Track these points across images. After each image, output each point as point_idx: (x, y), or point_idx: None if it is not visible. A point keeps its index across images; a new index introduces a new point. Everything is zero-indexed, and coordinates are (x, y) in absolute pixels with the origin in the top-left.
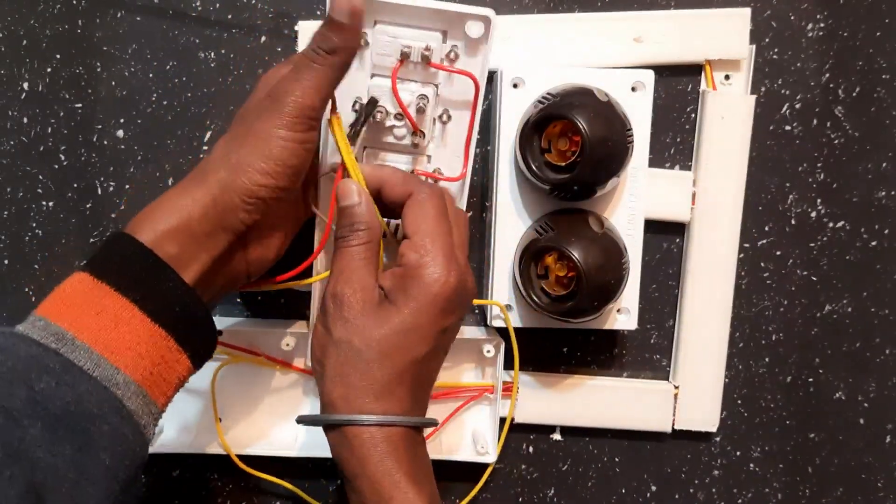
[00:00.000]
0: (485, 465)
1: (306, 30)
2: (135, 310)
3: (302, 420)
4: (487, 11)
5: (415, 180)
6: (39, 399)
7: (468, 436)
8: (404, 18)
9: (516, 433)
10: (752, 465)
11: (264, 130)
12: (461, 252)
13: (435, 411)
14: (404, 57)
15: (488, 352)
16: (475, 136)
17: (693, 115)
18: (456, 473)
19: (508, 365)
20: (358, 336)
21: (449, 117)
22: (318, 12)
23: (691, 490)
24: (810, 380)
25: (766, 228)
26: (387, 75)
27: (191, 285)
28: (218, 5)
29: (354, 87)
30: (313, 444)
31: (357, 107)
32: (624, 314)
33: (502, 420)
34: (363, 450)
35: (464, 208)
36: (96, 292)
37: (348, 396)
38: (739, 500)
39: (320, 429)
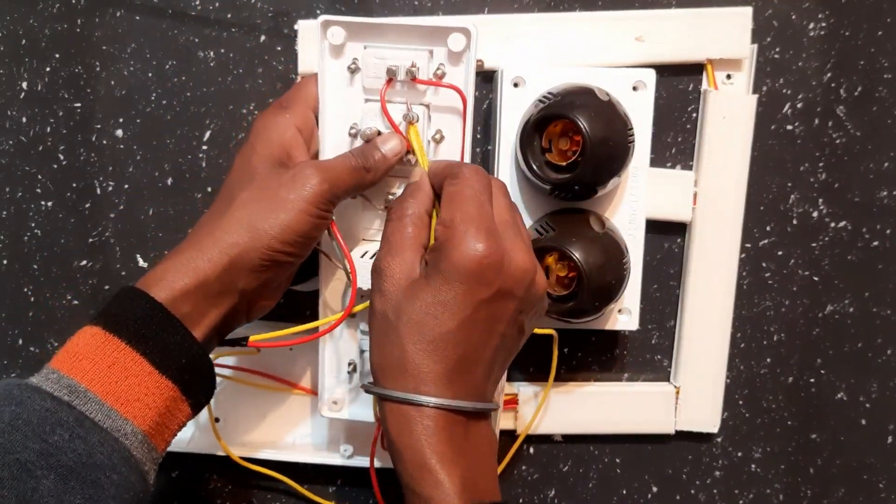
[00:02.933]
0: None
1: (306, 29)
2: (144, 363)
3: (363, 387)
4: (468, 24)
5: (454, 162)
6: (53, 451)
7: None
8: (391, 40)
9: (518, 435)
10: (753, 465)
11: (290, 203)
12: (508, 228)
13: None
14: (392, 76)
15: None
16: (468, 152)
17: (694, 115)
18: None
19: (511, 377)
20: (392, 309)
21: (442, 137)
22: (318, 12)
23: (692, 491)
24: (812, 380)
25: (768, 228)
26: (378, 99)
27: (199, 339)
28: (218, 5)
29: (349, 112)
30: (311, 447)
31: (353, 131)
32: (625, 314)
33: (501, 433)
34: (396, 424)
35: None
36: (108, 346)
37: (384, 368)
38: (741, 501)
39: (312, 431)
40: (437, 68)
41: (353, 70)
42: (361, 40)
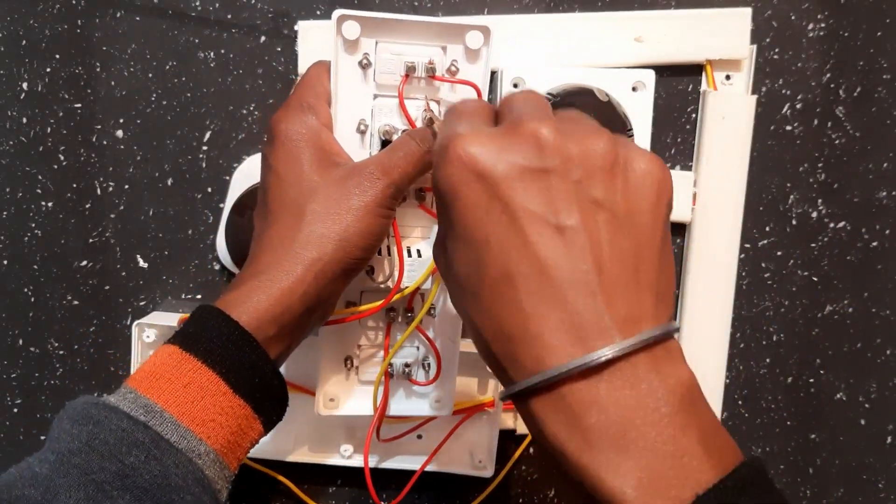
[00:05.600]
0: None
1: (306, 29)
2: (220, 382)
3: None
4: (486, 22)
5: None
6: (129, 472)
7: (467, 449)
8: (405, 36)
9: (519, 435)
10: None
11: (364, 208)
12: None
13: (436, 427)
14: (410, 72)
15: None
16: None
17: (694, 115)
18: (455, 482)
19: None
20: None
21: None
22: (318, 12)
23: None
24: (811, 380)
25: (767, 229)
26: (390, 95)
27: (273, 356)
28: (218, 5)
29: (358, 108)
30: (310, 447)
31: (362, 127)
32: None
33: (502, 433)
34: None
35: None
36: (185, 365)
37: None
38: None
39: (312, 432)
40: (451, 65)
41: (365, 65)
42: (374, 36)
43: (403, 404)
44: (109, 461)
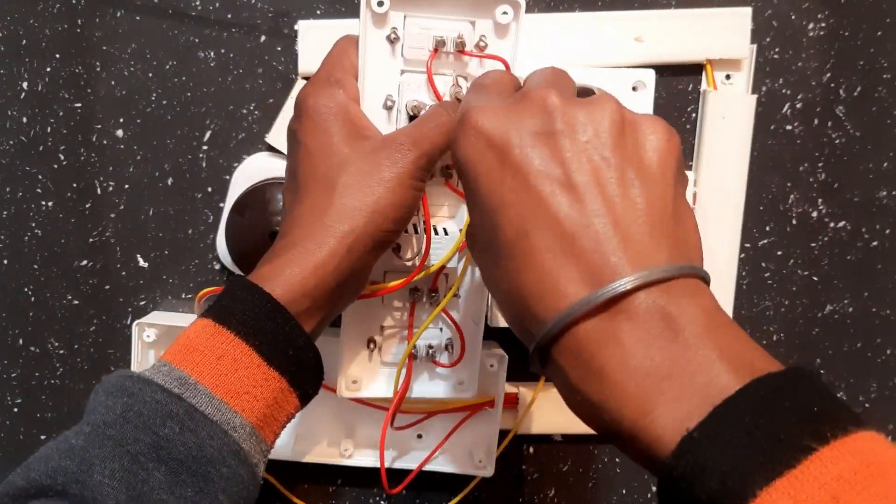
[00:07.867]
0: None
1: (306, 29)
2: (253, 354)
3: (533, 358)
4: None
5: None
6: (164, 444)
7: (467, 448)
8: (434, 10)
9: (518, 435)
10: None
11: (395, 179)
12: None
13: (436, 426)
14: (439, 46)
15: (491, 366)
16: None
17: (694, 115)
18: (455, 482)
19: (511, 377)
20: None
21: None
22: (318, 11)
23: None
24: None
25: (767, 228)
26: (418, 70)
27: (308, 330)
28: (218, 5)
29: (385, 83)
30: (311, 447)
31: (389, 103)
32: None
33: (502, 433)
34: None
35: None
36: (218, 338)
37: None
38: None
39: (312, 430)
40: (480, 40)
41: (393, 40)
42: (403, 9)
43: (426, 386)
44: (144, 433)
